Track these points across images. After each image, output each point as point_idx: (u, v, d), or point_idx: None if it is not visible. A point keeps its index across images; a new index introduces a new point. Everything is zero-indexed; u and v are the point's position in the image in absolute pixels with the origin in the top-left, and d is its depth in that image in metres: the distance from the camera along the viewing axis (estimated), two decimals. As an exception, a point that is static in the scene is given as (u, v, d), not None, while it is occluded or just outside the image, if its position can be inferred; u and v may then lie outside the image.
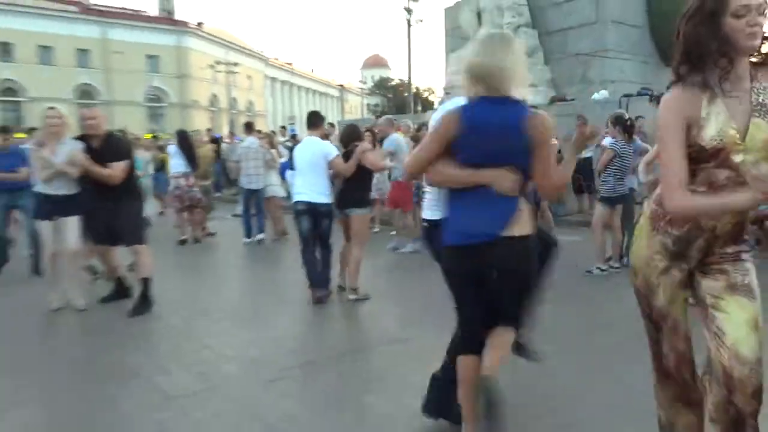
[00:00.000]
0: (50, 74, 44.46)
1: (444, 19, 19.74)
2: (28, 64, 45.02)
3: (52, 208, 4.85)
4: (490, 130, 2.20)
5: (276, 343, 4.19)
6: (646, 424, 2.81)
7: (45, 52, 46.08)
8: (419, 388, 3.16)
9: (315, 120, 5.64)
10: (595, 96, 12.21)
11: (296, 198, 5.29)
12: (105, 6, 50.69)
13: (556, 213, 8.50)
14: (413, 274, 6.09)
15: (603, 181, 6.13)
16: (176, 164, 8.36)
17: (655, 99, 11.40)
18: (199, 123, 44.96)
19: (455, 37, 15.93)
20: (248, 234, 8.45)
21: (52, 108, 4.98)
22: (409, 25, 28.21)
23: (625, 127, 6.13)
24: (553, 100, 12.82)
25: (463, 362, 2.40)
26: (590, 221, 6.81)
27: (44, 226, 4.96)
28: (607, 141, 6.83)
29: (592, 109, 10.61)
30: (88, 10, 48.75)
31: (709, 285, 1.93)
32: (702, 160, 1.81)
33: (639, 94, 11.36)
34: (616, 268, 6.10)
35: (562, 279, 5.97)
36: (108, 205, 4.86)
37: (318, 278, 5.20)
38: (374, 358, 3.86)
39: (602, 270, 6.01)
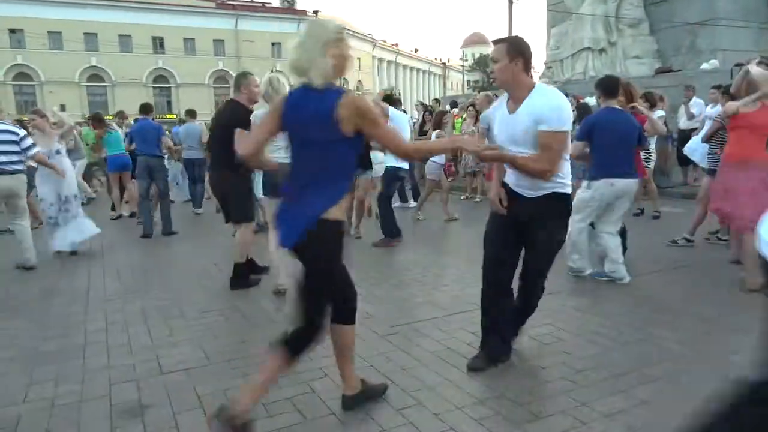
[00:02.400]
0: (193, 62, 47.50)
1: (546, -5, 18.55)
2: (176, 54, 48.38)
3: (275, 183, 4.01)
4: None
5: (385, 302, 4.25)
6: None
7: (189, 44, 49.24)
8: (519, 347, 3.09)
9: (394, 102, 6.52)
10: (704, 66, 11.02)
11: (390, 164, 6.27)
12: (237, 0, 52.91)
13: (659, 185, 7.88)
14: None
15: (709, 153, 5.54)
16: None
17: (772, 66, 10.07)
18: (315, 102, 46.14)
19: (557, 12, 14.97)
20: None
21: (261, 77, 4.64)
22: (511, 2, 26.87)
23: (733, 97, 5.48)
24: (658, 71, 11.77)
25: None
26: (694, 193, 6.24)
27: (267, 204, 4.55)
28: (714, 111, 6.14)
29: (701, 79, 9.61)
30: (223, 5, 51.23)
31: None
32: None
33: (754, 62, 10.08)
34: (725, 240, 5.58)
35: (662, 249, 5.56)
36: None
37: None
38: (477, 319, 3.81)
39: (689, 241, 5.67)
